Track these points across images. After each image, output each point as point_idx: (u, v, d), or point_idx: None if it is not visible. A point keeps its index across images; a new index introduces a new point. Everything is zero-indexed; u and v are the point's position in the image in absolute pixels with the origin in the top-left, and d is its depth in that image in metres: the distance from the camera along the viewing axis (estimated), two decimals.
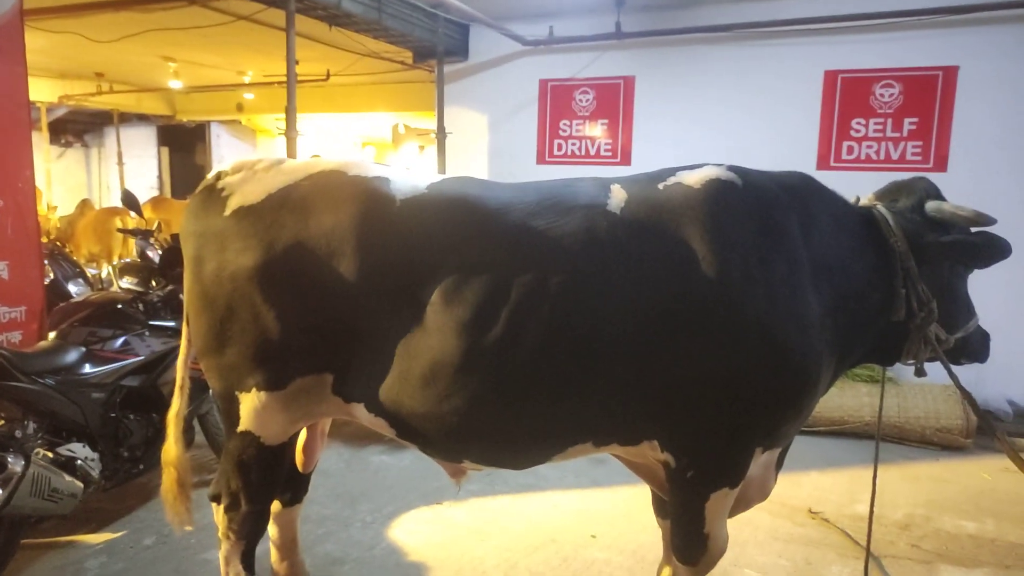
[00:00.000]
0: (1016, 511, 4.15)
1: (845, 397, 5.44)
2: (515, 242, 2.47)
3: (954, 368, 2.86)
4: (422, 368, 2.44)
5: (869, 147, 5.88)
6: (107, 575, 3.42)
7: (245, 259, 2.50)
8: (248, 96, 11.92)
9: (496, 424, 2.51)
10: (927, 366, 2.84)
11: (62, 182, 14.15)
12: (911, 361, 2.87)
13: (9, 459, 3.11)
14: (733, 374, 2.44)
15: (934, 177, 5.65)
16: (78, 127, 15.22)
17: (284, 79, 10.69)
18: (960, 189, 5.50)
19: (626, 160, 6.79)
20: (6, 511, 3.09)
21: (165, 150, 15.50)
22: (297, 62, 9.75)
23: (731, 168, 2.65)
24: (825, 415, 5.44)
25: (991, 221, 2.65)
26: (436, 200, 2.54)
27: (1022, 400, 5.75)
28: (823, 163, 6.02)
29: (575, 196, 2.58)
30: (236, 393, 2.60)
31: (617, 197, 2.57)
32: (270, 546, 3.09)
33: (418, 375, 2.45)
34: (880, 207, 2.79)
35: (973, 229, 2.76)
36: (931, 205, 2.74)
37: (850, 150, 5.93)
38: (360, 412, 2.62)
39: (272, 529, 3.04)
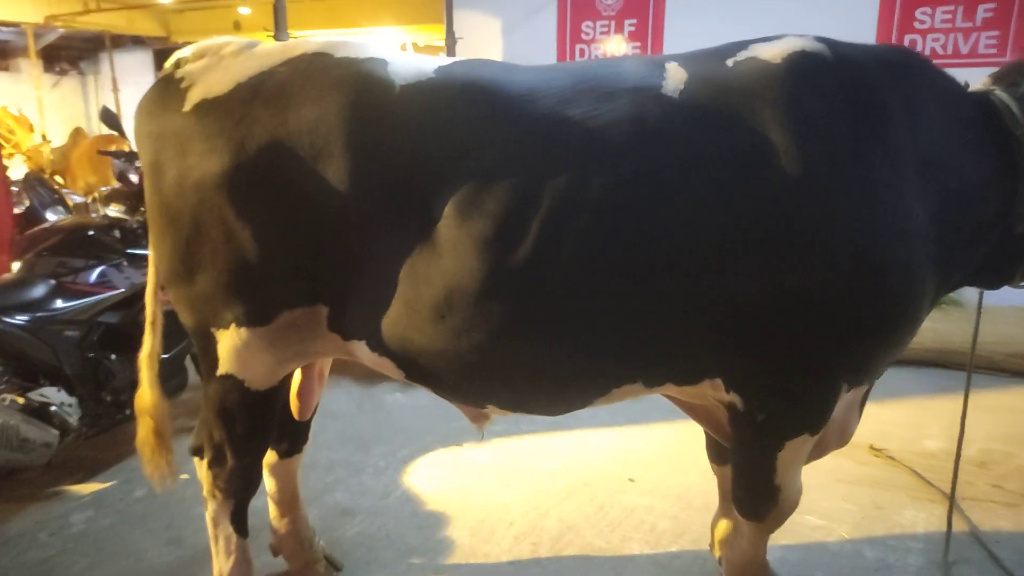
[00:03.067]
0: None
1: None
2: (546, 137, 1.96)
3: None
4: (434, 296, 1.98)
5: (935, 40, 5.17)
6: (94, 531, 3.08)
7: (211, 164, 2.02)
8: (244, 11, 11.19)
9: (526, 362, 2.07)
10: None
11: (58, 112, 13.58)
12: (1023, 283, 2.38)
13: None
14: (819, 296, 1.96)
15: None
16: (72, 54, 14.55)
17: None
18: None
19: None
20: None
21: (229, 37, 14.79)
22: None
23: (819, 39, 2.10)
24: None
25: None
26: (447, 86, 2.03)
27: None
28: None
29: (620, 78, 2.06)
30: (212, 330, 2.17)
31: (675, 77, 2.04)
32: (268, 500, 2.71)
33: (430, 305, 1.99)
34: (999, 92, 2.22)
35: None
36: None
37: (913, 44, 5.23)
38: (362, 351, 2.18)
39: (269, 482, 2.66)
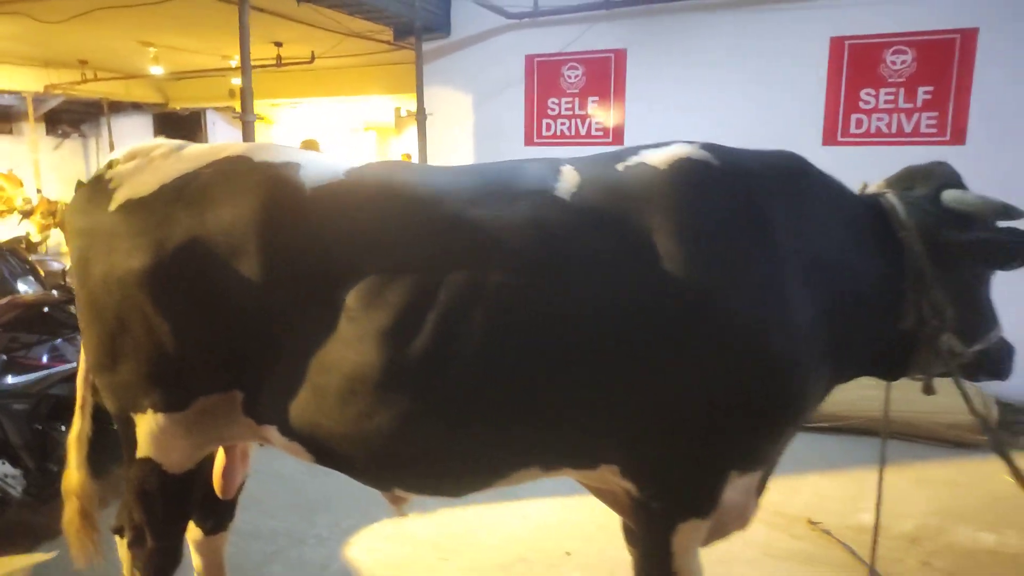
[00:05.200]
0: None
1: (848, 390, 4.97)
2: (448, 236, 2.10)
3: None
4: (339, 383, 2.09)
5: (880, 119, 5.40)
6: None
7: (133, 261, 2.15)
8: (238, 81, 11.60)
9: (427, 448, 2.16)
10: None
11: (59, 172, 13.99)
12: (919, 376, 2.49)
13: None
14: (706, 392, 2.07)
15: (951, 151, 5.26)
16: (74, 117, 15.00)
17: (272, 63, 10.33)
18: (979, 164, 5.05)
19: (619, 139, 6.37)
20: None
21: (162, 138, 15.17)
22: (280, 44, 9.42)
23: (705, 146, 2.25)
24: (826, 410, 5.03)
25: (1022, 214, 2.24)
26: (355, 188, 2.18)
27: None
28: (830, 138, 5.55)
29: (520, 181, 2.21)
30: (131, 415, 2.28)
31: (568, 181, 2.18)
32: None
33: (335, 391, 2.10)
34: (890, 195, 2.36)
35: (1002, 224, 2.34)
36: (950, 195, 2.30)
37: (859, 123, 5.46)
38: (274, 435, 2.28)
39: (196, 559, 2.74)
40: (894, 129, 5.38)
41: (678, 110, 6.02)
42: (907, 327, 2.26)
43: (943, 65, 5.23)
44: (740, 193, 2.15)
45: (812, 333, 2.13)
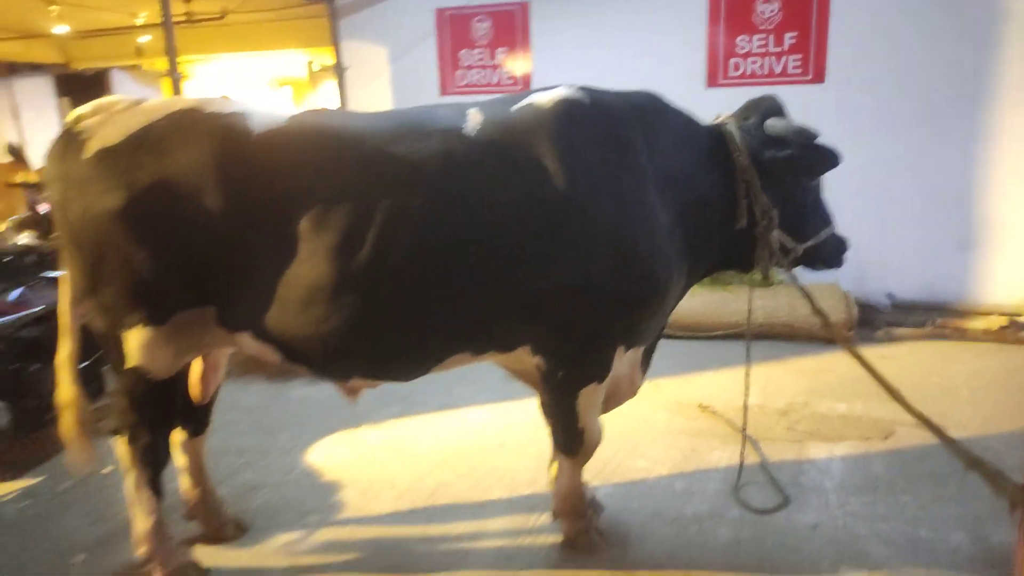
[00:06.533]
0: (882, 393, 4.55)
1: (740, 302, 5.77)
2: (376, 168, 2.57)
3: (838, 270, 3.20)
4: (299, 294, 2.56)
5: (754, 63, 6.09)
6: (25, 519, 3.52)
7: (107, 202, 2.53)
8: (145, 39, 11.36)
9: (374, 341, 2.67)
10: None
11: None
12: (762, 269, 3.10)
13: None
14: (588, 280, 2.64)
15: (813, 89, 5.99)
16: None
17: (183, 19, 10.21)
18: (836, 101, 5.89)
19: (527, 87, 6.84)
20: None
21: (66, 100, 14.65)
22: (188, 0, 9.34)
23: (581, 88, 2.79)
24: (721, 320, 5.80)
25: (813, 135, 2.87)
26: (295, 132, 2.61)
27: (900, 293, 6.21)
28: (712, 80, 6.22)
29: (433, 121, 2.69)
30: (118, 332, 2.68)
31: (473, 120, 2.68)
32: (179, 475, 3.22)
33: (296, 300, 2.57)
34: (730, 124, 2.98)
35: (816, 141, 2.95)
36: (770, 122, 2.93)
37: (736, 67, 6.14)
38: (246, 340, 2.74)
39: (180, 458, 3.17)
40: (766, 71, 6.08)
41: (578, 58, 6.54)
42: (743, 227, 2.88)
43: (805, 12, 5.92)
44: (606, 123, 2.71)
45: (668, 232, 2.73)
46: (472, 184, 2.58)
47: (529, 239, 2.59)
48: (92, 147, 2.57)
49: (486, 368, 5.13)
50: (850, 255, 3.21)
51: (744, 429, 3.70)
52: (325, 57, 13.03)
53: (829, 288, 5.68)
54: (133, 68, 13.38)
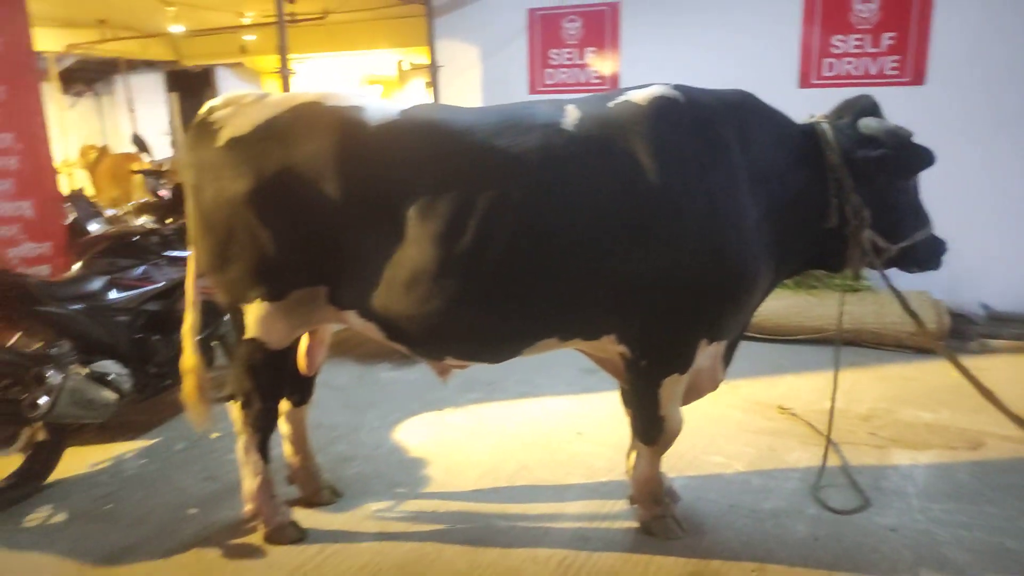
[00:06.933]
0: (971, 403, 4.38)
1: (825, 306, 5.71)
2: (479, 160, 2.74)
3: (919, 275, 3.18)
4: (404, 276, 2.75)
5: (849, 64, 5.98)
6: (145, 473, 3.88)
7: (238, 185, 2.79)
8: (250, 38, 12.01)
9: (470, 323, 2.84)
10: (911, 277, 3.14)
11: (76, 131, 14.44)
12: (853, 269, 3.11)
13: (49, 373, 3.51)
14: (675, 273, 2.74)
15: (912, 91, 5.86)
16: (88, 75, 15.37)
17: (286, 18, 10.76)
18: (936, 103, 5.72)
19: (615, 86, 6.92)
20: (50, 418, 3.51)
21: (174, 95, 15.60)
22: (293, 1, 9.85)
23: (676, 87, 2.88)
24: (806, 324, 5.74)
25: (908, 134, 2.87)
26: (407, 125, 2.81)
27: (994, 303, 5.99)
28: (805, 81, 6.14)
29: (533, 116, 2.84)
30: (242, 305, 2.95)
31: (571, 116, 2.82)
32: (284, 443, 3.49)
33: (401, 282, 2.77)
34: (824, 123, 3.01)
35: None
36: (863, 122, 2.95)
37: (830, 67, 6.05)
38: (352, 318, 2.96)
39: (284, 427, 3.43)
40: (862, 72, 5.96)
41: (669, 60, 6.58)
42: (832, 226, 2.91)
43: (904, 12, 5.78)
44: (699, 121, 2.79)
45: (756, 228, 2.79)
46: (568, 176, 2.71)
47: (621, 231, 2.70)
48: (224, 136, 2.85)
49: (566, 360, 5.31)
50: (944, 262, 3.17)
51: (829, 431, 3.69)
52: (415, 56, 13.44)
53: (919, 296, 5.53)
54: (236, 65, 14.16)
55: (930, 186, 3.19)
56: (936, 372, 5.17)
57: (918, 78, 5.81)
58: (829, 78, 6.07)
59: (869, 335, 5.63)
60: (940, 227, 3.25)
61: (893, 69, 5.85)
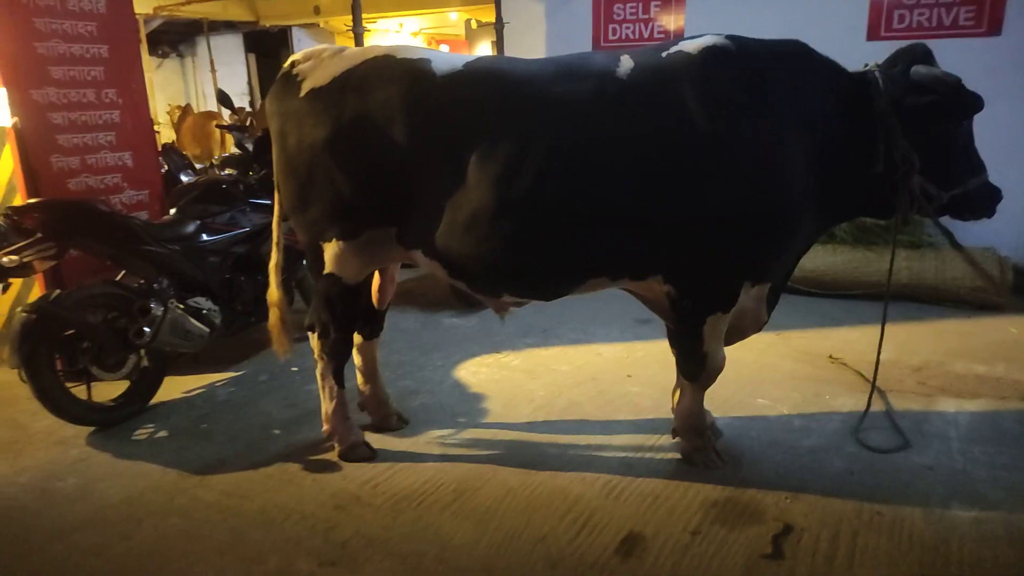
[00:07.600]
0: None
1: (883, 262, 5.69)
2: (536, 108, 2.93)
3: (989, 232, 3.17)
4: (465, 217, 3.00)
5: (920, 14, 5.83)
6: (234, 399, 4.31)
7: (319, 132, 3.08)
8: None
9: (525, 261, 3.07)
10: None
11: (163, 91, 15.22)
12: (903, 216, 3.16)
13: (152, 305, 3.94)
14: (721, 215, 2.90)
15: (988, 42, 5.68)
16: (172, 37, 16.14)
17: None
18: (1013, 54, 5.53)
19: None
20: (152, 346, 3.95)
21: (252, 56, 16.23)
22: None
23: (728, 36, 3.00)
24: (863, 279, 5.75)
25: (956, 80, 2.91)
26: (471, 75, 3.02)
27: None
28: (874, 33, 6.02)
29: (589, 66, 3.01)
30: (320, 243, 3.26)
31: (625, 65, 2.98)
32: (356, 373, 3.83)
33: (462, 223, 3.01)
34: (876, 71, 3.07)
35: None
36: (915, 69, 2.98)
37: (901, 18, 5.91)
38: (419, 257, 3.23)
39: (357, 358, 3.76)
40: (935, 23, 5.79)
41: (732, 11, 6.53)
42: (879, 172, 2.98)
43: None
44: (748, 68, 2.91)
45: (802, 174, 2.91)
46: (620, 122, 2.88)
47: (669, 174, 2.87)
48: (306, 87, 3.13)
49: (618, 310, 5.51)
50: (1012, 219, 3.14)
51: (875, 376, 3.77)
52: (482, 15, 13.55)
53: (984, 252, 5.46)
54: (310, 26, 14.59)
55: (1006, 140, 3.16)
56: (995, 328, 5.15)
57: (994, 28, 5.63)
58: (899, 30, 5.92)
59: (928, 291, 5.61)
60: (1012, 182, 3.19)
61: (968, 19, 5.67)
